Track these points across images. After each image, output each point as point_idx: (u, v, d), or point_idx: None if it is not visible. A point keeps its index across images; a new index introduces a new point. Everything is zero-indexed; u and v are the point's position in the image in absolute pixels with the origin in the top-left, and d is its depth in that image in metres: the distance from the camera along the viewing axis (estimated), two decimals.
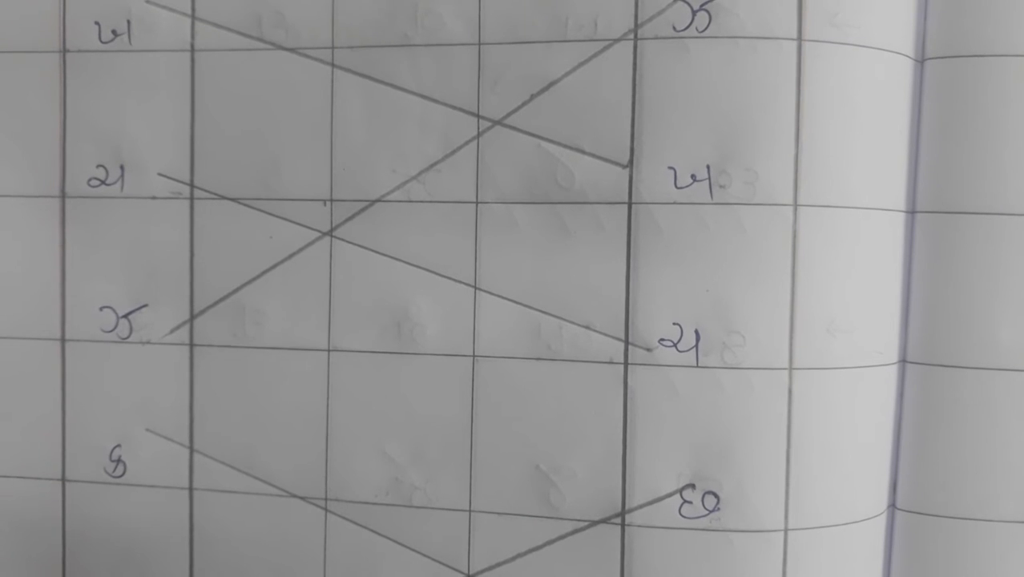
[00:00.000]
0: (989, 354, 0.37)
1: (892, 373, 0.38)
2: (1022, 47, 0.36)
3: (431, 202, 0.38)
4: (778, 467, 0.36)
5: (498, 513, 0.38)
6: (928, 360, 0.38)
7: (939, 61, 0.37)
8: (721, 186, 0.36)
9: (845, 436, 0.37)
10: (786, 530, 0.36)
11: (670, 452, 0.36)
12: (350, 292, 0.39)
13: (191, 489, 0.40)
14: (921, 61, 0.37)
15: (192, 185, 0.40)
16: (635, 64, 0.36)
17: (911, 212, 0.38)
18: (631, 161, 0.36)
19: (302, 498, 0.39)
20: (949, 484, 0.37)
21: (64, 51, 0.40)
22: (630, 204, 0.37)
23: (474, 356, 0.38)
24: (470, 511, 0.38)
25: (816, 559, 0.37)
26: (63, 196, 0.41)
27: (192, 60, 0.39)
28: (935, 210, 0.37)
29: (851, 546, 0.37)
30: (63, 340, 0.41)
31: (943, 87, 0.37)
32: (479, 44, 0.37)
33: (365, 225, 0.39)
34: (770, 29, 0.35)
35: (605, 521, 0.37)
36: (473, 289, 0.38)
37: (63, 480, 0.41)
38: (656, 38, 0.36)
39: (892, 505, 0.39)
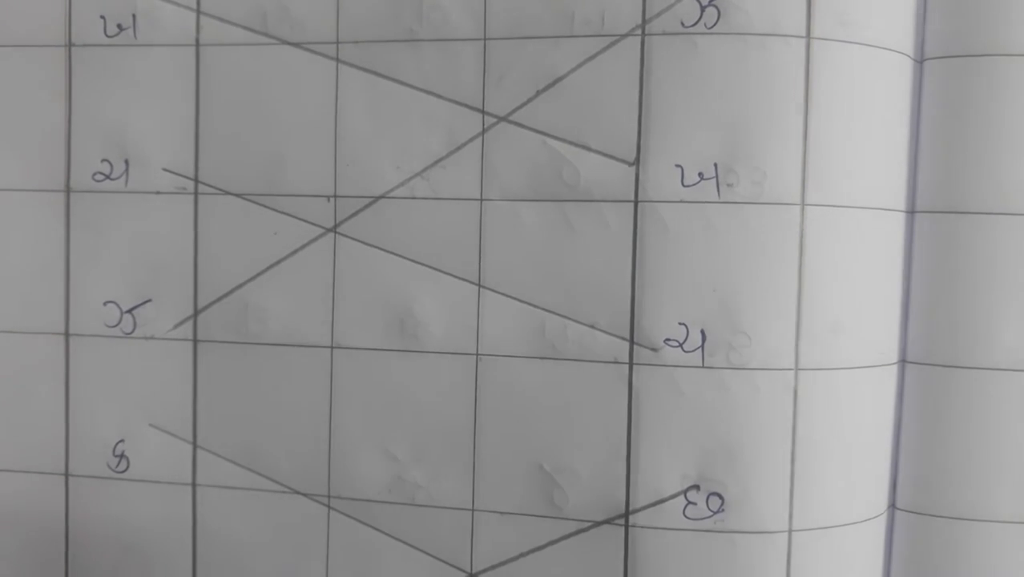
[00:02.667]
0: (989, 354, 0.36)
1: (892, 373, 0.37)
2: (1022, 47, 0.35)
3: (435, 199, 0.36)
4: (783, 468, 0.35)
5: (501, 512, 0.37)
6: (927, 360, 0.36)
7: (939, 61, 0.36)
8: (728, 185, 0.34)
9: (849, 437, 0.35)
10: (790, 531, 0.35)
11: (674, 453, 0.35)
12: (354, 289, 0.37)
13: (194, 485, 0.39)
14: (921, 61, 0.36)
15: (196, 180, 0.38)
16: (642, 60, 0.35)
17: (911, 212, 0.36)
18: (637, 159, 0.35)
19: (305, 495, 0.38)
20: (949, 484, 0.36)
21: (69, 45, 0.39)
22: (636, 202, 0.35)
23: (478, 354, 0.36)
24: (473, 510, 0.37)
25: (819, 560, 0.35)
26: (68, 190, 0.39)
27: (197, 55, 0.38)
28: (935, 210, 0.36)
29: (853, 546, 0.36)
30: (67, 335, 0.39)
31: (943, 87, 0.36)
32: (484, 39, 0.36)
33: (369, 222, 0.37)
34: (779, 26, 0.34)
35: (609, 522, 0.35)
36: (477, 287, 0.36)
37: (66, 475, 0.40)
38: (664, 34, 0.34)
39: (892, 505, 0.37)
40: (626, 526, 0.35)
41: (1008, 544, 0.36)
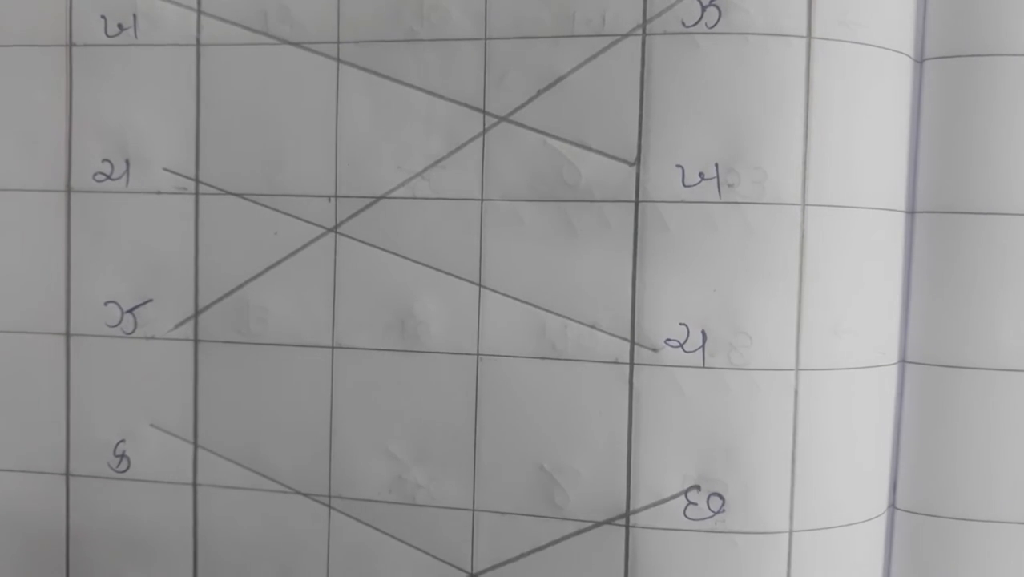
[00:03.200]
0: (989, 354, 0.35)
1: (892, 373, 0.36)
2: (1022, 47, 0.35)
3: (436, 199, 0.36)
4: (783, 468, 0.34)
5: (502, 513, 0.36)
6: (927, 360, 0.36)
7: (938, 61, 0.35)
8: (729, 185, 0.34)
9: (849, 437, 0.35)
10: (791, 532, 0.34)
11: (675, 453, 0.34)
12: (354, 289, 0.37)
13: (195, 485, 0.38)
14: (921, 61, 0.36)
15: (197, 180, 0.38)
16: (643, 60, 0.34)
17: (911, 212, 0.36)
18: (638, 159, 0.35)
19: (305, 495, 0.37)
20: (949, 484, 0.36)
21: (70, 45, 0.38)
22: (637, 202, 0.35)
23: (478, 355, 0.36)
24: (473, 510, 0.36)
25: (820, 561, 0.35)
26: (68, 190, 0.39)
27: (198, 54, 0.37)
28: (935, 210, 0.36)
29: (854, 547, 0.36)
30: (67, 335, 0.39)
31: (942, 87, 0.36)
32: (485, 39, 0.35)
33: (370, 222, 0.37)
34: (780, 26, 0.33)
35: (609, 522, 0.35)
36: (478, 287, 0.36)
37: (67, 475, 0.39)
38: (665, 34, 0.34)
39: (892, 505, 0.37)
40: (627, 526, 0.35)
41: (1008, 545, 0.35)
